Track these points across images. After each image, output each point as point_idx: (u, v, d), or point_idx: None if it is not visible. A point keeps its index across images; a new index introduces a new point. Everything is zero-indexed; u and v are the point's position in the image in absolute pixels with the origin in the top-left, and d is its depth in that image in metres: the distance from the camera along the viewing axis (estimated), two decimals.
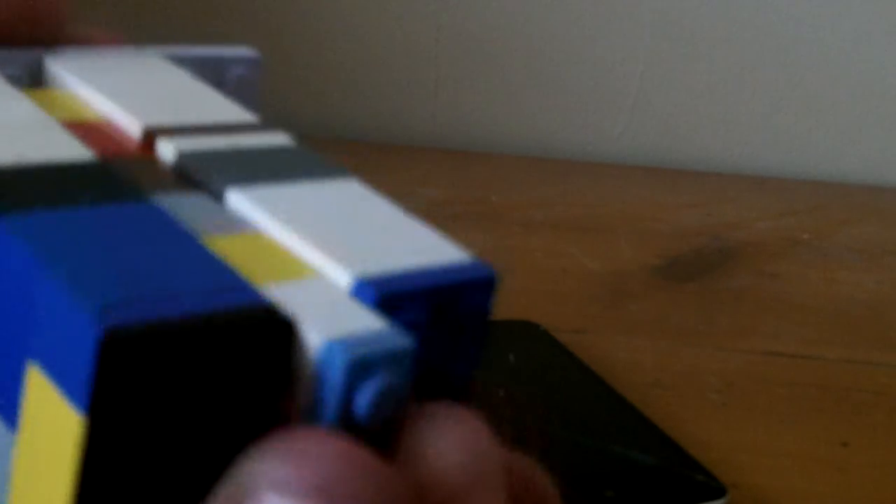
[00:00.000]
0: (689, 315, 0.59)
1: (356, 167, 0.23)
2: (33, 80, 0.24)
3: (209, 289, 0.17)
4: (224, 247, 0.19)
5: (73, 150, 0.21)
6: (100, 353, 0.15)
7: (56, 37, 0.25)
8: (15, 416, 0.17)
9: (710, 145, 0.84)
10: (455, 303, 0.19)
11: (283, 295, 0.17)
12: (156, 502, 0.16)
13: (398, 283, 0.18)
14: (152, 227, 0.18)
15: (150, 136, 0.22)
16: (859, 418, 0.51)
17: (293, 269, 0.18)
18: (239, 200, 0.20)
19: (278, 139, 0.23)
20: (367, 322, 0.17)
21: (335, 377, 0.16)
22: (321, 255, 0.18)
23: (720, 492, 0.44)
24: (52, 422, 0.16)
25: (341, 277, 0.18)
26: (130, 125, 0.22)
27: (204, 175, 0.21)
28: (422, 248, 0.19)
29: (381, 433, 0.17)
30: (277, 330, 0.16)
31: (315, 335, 0.17)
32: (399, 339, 0.17)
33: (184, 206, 0.20)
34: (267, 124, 0.24)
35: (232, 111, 0.24)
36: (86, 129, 0.22)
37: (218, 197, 0.20)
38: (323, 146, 0.26)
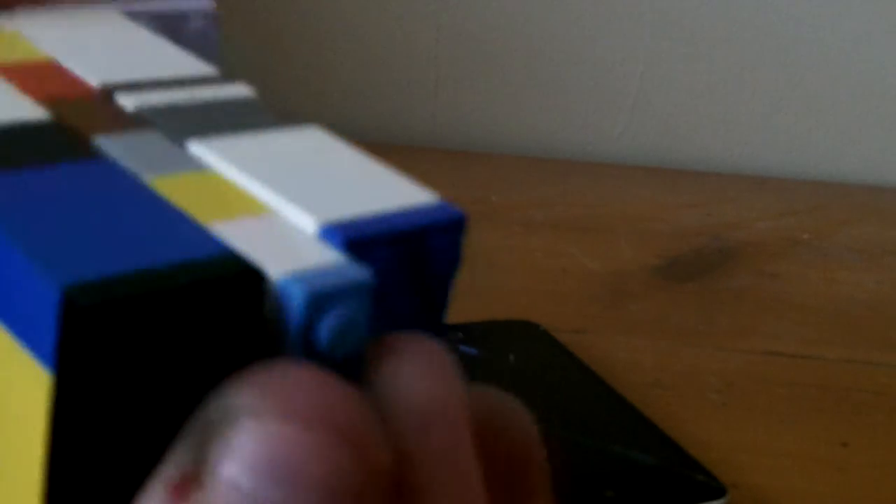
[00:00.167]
0: (689, 315, 0.59)
1: None
2: None
3: (170, 243, 0.16)
4: (177, 186, 0.18)
5: (19, 110, 0.20)
6: (63, 312, 0.15)
7: None
8: None
9: (710, 145, 0.84)
10: (424, 246, 0.18)
11: (236, 232, 0.17)
12: (132, 456, 0.16)
13: (366, 226, 0.18)
14: (108, 184, 0.18)
15: (108, 93, 0.22)
16: (859, 418, 0.51)
17: (246, 206, 0.18)
18: (200, 150, 0.20)
19: (239, 91, 0.23)
20: (323, 257, 0.17)
21: (295, 312, 0.16)
22: (285, 200, 0.18)
23: (720, 492, 0.44)
24: (22, 381, 0.16)
25: (306, 223, 0.18)
26: (89, 81, 0.22)
27: (164, 128, 0.21)
28: (388, 192, 0.19)
29: (345, 368, 0.17)
30: (246, 280, 0.16)
31: (272, 271, 0.16)
32: (357, 272, 0.17)
33: (134, 147, 0.20)
34: (227, 77, 0.23)
35: (191, 64, 0.24)
36: (33, 71, 0.22)
37: (180, 149, 0.20)
38: None
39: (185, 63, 0.24)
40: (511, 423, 0.20)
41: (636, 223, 0.71)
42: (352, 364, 0.17)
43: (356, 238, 0.18)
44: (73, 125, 0.20)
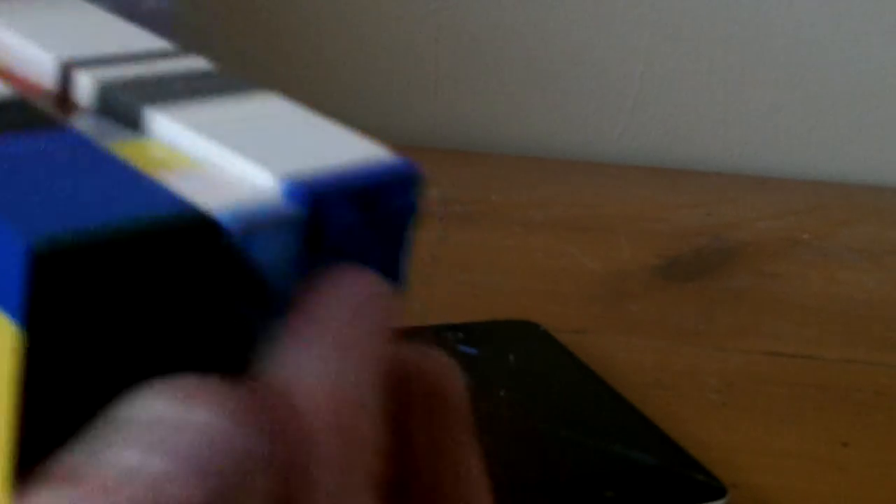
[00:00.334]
0: (689, 315, 0.59)
1: None
2: None
3: (132, 198, 0.17)
4: (132, 150, 0.19)
5: None
6: (32, 262, 0.15)
7: None
8: None
9: (710, 145, 0.84)
10: (381, 200, 0.19)
11: (187, 184, 0.18)
12: (98, 406, 0.17)
13: (325, 181, 0.19)
14: (72, 150, 0.19)
15: (66, 70, 0.22)
16: (859, 418, 0.51)
17: (196, 164, 0.19)
18: (160, 120, 0.20)
19: (196, 63, 0.23)
20: (255, 193, 0.18)
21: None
22: (244, 159, 0.19)
23: (720, 492, 0.44)
24: None
25: (265, 179, 0.19)
26: (44, 61, 0.23)
27: (124, 100, 0.21)
28: (346, 148, 0.20)
29: (277, 301, 0.18)
30: (204, 231, 0.17)
31: (214, 204, 0.17)
32: (288, 206, 0.18)
33: (86, 125, 0.20)
34: (183, 49, 0.24)
35: (147, 40, 0.24)
36: None
37: (138, 118, 0.21)
38: None
39: (140, 39, 0.24)
40: (434, 368, 0.20)
41: (636, 223, 0.71)
42: (285, 294, 0.18)
43: (317, 192, 0.18)
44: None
